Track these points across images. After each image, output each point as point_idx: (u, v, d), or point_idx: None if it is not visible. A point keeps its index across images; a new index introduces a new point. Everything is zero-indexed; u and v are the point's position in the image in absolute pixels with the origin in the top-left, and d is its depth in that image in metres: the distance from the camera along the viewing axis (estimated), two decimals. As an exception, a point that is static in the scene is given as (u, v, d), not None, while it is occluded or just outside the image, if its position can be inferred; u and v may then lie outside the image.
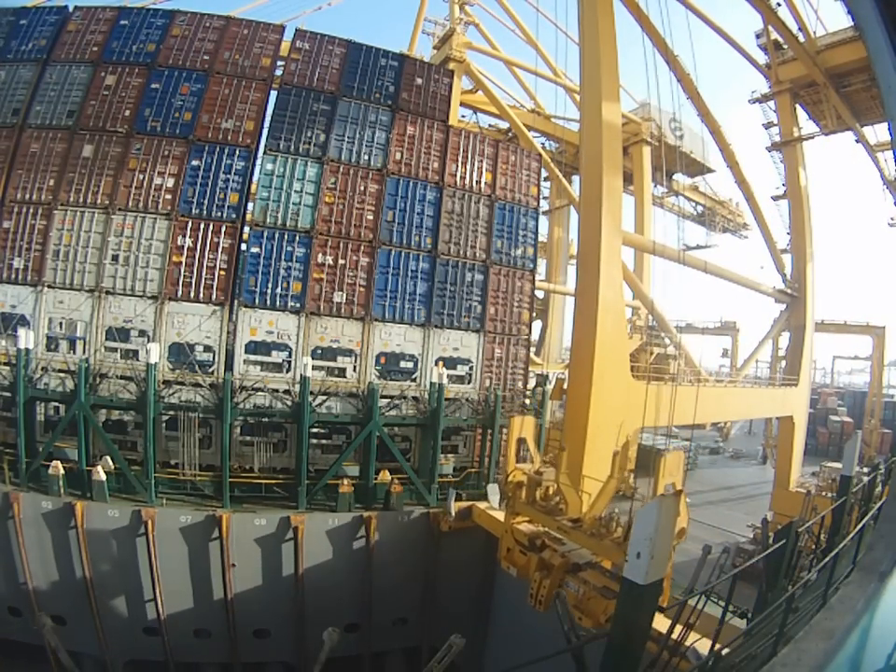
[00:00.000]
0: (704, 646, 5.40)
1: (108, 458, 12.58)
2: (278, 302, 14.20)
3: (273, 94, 15.36)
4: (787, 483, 26.03)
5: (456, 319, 15.64)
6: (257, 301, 14.08)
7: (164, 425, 13.45)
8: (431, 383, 14.57)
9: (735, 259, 72.73)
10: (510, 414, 15.74)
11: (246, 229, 14.71)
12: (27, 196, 13.87)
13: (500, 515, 12.36)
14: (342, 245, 14.75)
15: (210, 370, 13.70)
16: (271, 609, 12.84)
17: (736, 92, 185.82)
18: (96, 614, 12.17)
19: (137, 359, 13.38)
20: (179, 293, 13.75)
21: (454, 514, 13.05)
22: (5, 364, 12.86)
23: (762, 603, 7.03)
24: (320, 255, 14.54)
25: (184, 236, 13.92)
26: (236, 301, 14.02)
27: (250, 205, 15.26)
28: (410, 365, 15.13)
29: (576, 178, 28.72)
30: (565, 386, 18.88)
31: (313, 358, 13.84)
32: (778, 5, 24.54)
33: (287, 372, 14.08)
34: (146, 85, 14.65)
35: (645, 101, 30.54)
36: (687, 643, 6.07)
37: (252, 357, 14.00)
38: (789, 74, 26.62)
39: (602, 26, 17.53)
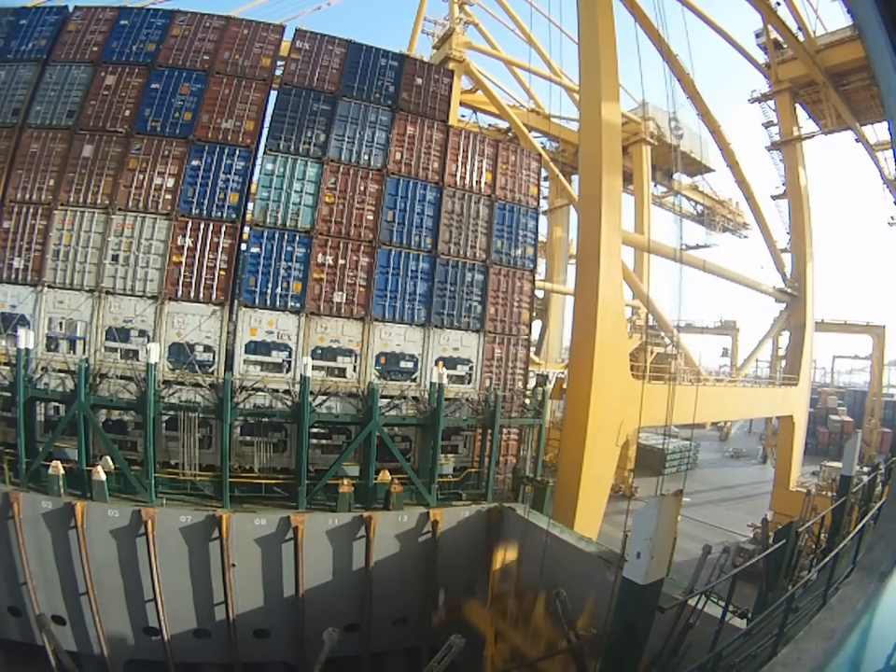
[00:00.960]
0: (704, 645, 5.41)
1: (108, 458, 12.57)
2: (278, 302, 14.19)
3: (273, 94, 15.35)
4: (787, 482, 26.08)
5: (456, 319, 15.63)
6: (257, 301, 14.07)
7: (164, 425, 13.43)
8: (431, 383, 14.56)
9: (735, 258, 72.77)
10: (509, 414, 15.79)
11: (246, 229, 14.70)
12: (27, 196, 13.85)
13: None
14: (342, 244, 14.74)
15: (210, 370, 13.69)
16: (271, 609, 12.83)
17: (736, 90, 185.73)
18: (96, 614, 12.15)
19: (137, 359, 13.36)
20: (179, 293, 13.73)
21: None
22: (5, 364, 12.83)
23: (762, 603, 7.03)
24: (320, 255, 14.54)
25: (184, 236, 13.90)
26: (236, 301, 14.01)
27: (250, 205, 15.24)
28: (410, 365, 15.13)
29: (576, 178, 28.73)
30: (564, 386, 18.91)
31: (313, 358, 13.83)
32: (778, 4, 24.57)
33: (287, 372, 14.08)
34: (146, 85, 14.62)
35: (644, 100, 30.53)
36: (686, 643, 6.08)
37: (252, 357, 13.99)
38: (788, 73, 26.65)
39: (601, 25, 17.55)
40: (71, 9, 15.41)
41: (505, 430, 16.08)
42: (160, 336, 13.45)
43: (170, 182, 14.08)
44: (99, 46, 14.96)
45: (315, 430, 14.00)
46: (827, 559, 5.50)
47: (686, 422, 17.96)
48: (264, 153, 14.72)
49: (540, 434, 15.77)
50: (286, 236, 14.39)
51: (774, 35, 26.24)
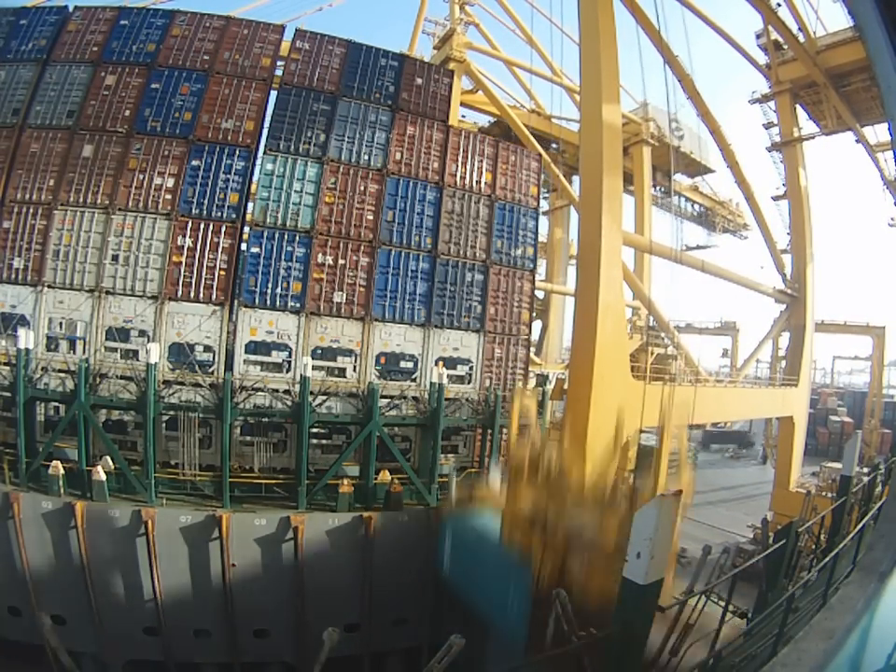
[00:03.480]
0: (704, 646, 5.41)
1: (108, 458, 12.58)
2: (278, 302, 14.20)
3: (273, 94, 15.36)
4: (787, 483, 26.05)
5: (456, 319, 15.63)
6: (257, 300, 14.07)
7: (164, 425, 13.44)
8: (431, 383, 14.56)
9: (735, 258, 72.81)
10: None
11: (246, 229, 14.71)
12: (27, 196, 13.86)
13: (503, 496, 12.00)
14: (342, 244, 14.74)
15: (210, 370, 13.69)
16: (271, 609, 12.82)
17: (736, 90, 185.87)
18: (96, 614, 12.15)
19: (137, 359, 13.37)
20: (179, 293, 13.74)
21: (455, 500, 12.89)
22: (5, 364, 12.85)
23: (762, 603, 7.04)
24: (320, 255, 14.54)
25: (184, 236, 13.91)
26: (236, 301, 14.02)
27: (250, 205, 15.25)
28: (410, 365, 15.13)
29: (576, 178, 28.70)
30: (565, 386, 18.89)
31: (313, 358, 13.84)
32: (778, 5, 24.58)
33: (287, 372, 14.08)
34: (146, 85, 14.64)
35: (645, 101, 30.52)
36: (687, 643, 6.07)
37: (252, 357, 13.99)
38: (789, 74, 26.65)
39: (602, 26, 17.53)
40: (71, 9, 15.43)
41: (505, 430, 16.08)
42: (160, 336, 13.46)
43: (170, 182, 14.09)
44: (99, 46, 14.97)
45: (315, 430, 14.01)
46: (827, 559, 5.51)
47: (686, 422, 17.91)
48: (264, 153, 14.73)
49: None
50: (286, 236, 14.39)
51: (774, 35, 26.24)
